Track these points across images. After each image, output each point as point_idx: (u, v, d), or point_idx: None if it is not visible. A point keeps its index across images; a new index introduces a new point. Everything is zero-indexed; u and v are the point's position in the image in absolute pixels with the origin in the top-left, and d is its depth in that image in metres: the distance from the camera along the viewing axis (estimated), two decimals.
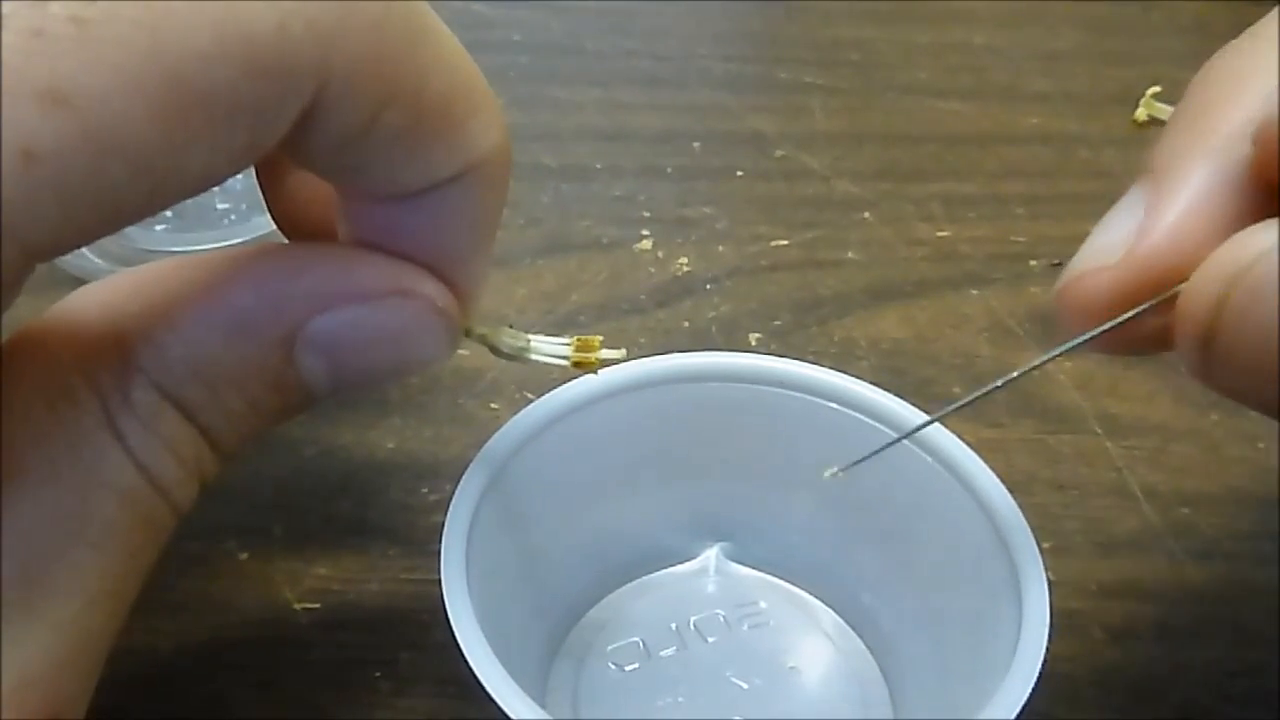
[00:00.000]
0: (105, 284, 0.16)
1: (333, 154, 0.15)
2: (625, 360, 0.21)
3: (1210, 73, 0.18)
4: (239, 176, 0.24)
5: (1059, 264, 0.39)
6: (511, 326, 0.20)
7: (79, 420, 0.15)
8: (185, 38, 0.13)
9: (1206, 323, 0.15)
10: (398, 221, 0.17)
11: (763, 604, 0.26)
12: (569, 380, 0.23)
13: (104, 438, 0.15)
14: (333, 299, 0.17)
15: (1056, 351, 0.18)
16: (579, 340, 0.20)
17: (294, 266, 0.17)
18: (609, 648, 0.25)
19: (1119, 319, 0.16)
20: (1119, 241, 0.17)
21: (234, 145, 0.14)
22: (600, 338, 0.20)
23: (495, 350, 0.20)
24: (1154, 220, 0.16)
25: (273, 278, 0.16)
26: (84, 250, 0.35)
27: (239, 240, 0.36)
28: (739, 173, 0.44)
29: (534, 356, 0.20)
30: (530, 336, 0.20)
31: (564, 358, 0.20)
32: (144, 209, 0.14)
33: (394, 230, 0.17)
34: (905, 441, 0.23)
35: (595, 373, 0.21)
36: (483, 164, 0.17)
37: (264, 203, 0.21)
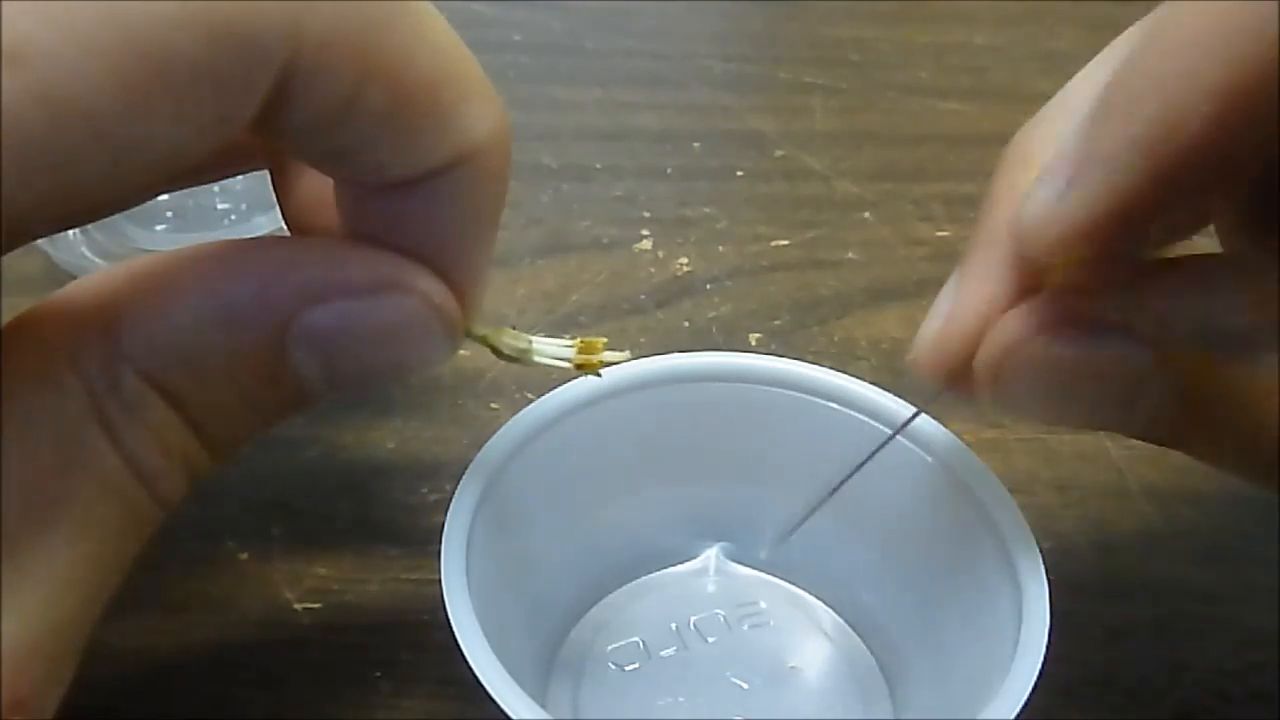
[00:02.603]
0: (99, 274, 0.16)
1: (314, 135, 0.15)
2: (628, 361, 0.21)
3: (1008, 152, 0.21)
4: (239, 176, 0.25)
5: None
6: (514, 328, 0.20)
7: (63, 405, 0.15)
8: (148, 3, 0.12)
9: (991, 388, 0.19)
10: (393, 213, 0.17)
11: (763, 604, 0.26)
12: (569, 380, 0.23)
13: (88, 423, 0.15)
14: (325, 291, 0.16)
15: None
16: (582, 342, 0.20)
17: (286, 258, 0.16)
18: (609, 648, 0.25)
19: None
20: (937, 328, 0.20)
21: (201, 117, 0.13)
22: (604, 339, 0.20)
23: (496, 352, 0.20)
24: (955, 306, 0.20)
25: (264, 269, 0.16)
26: (83, 250, 0.35)
27: None
28: (739, 173, 0.44)
29: (536, 359, 0.20)
30: (532, 338, 0.20)
31: (566, 359, 0.20)
32: (109, 181, 0.13)
33: (390, 223, 0.17)
34: (906, 443, 0.23)
35: (599, 375, 0.20)
36: (478, 153, 0.16)
37: (276, 204, 0.21)
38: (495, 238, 0.18)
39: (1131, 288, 0.17)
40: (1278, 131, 0.15)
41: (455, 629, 0.19)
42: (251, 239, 0.17)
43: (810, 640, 0.25)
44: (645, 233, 0.40)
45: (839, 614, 0.25)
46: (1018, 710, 0.18)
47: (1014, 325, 0.18)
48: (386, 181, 0.17)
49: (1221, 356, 0.17)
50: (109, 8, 0.12)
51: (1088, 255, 0.17)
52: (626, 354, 0.20)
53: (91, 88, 0.12)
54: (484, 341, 0.19)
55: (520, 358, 0.20)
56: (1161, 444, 0.19)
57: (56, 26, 0.12)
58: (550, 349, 0.20)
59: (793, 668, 0.24)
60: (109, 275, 0.16)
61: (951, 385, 0.20)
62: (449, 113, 0.16)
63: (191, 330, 0.15)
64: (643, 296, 0.37)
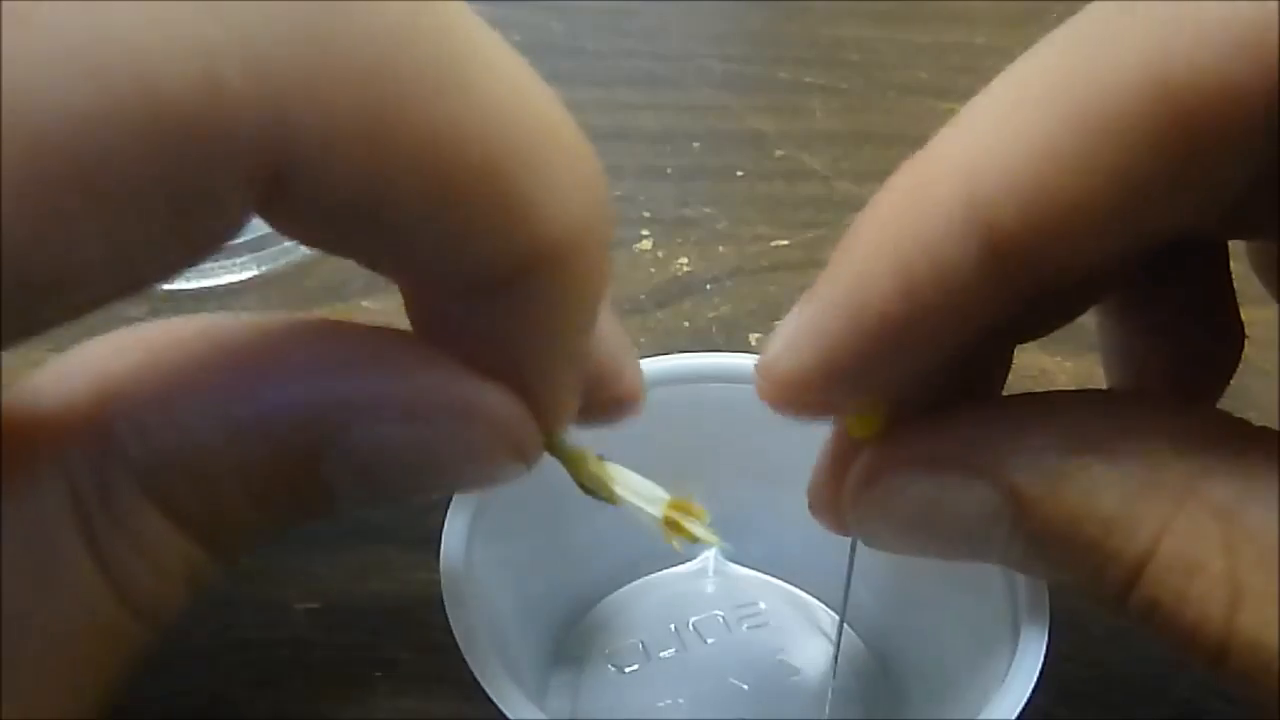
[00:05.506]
0: (98, 345, 0.13)
1: (334, 239, 0.12)
2: (717, 543, 0.18)
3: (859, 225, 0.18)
4: None
5: None
6: (602, 457, 0.17)
7: (41, 511, 0.12)
8: (56, 92, 0.09)
9: (854, 524, 0.19)
10: (460, 315, 0.14)
11: (762, 604, 0.26)
12: None
13: (67, 535, 0.12)
14: (374, 410, 0.13)
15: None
16: (674, 501, 0.17)
17: (329, 360, 0.13)
18: (609, 649, 0.25)
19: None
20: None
21: (152, 236, 0.10)
22: (701, 508, 0.17)
23: (577, 480, 0.17)
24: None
25: (300, 372, 0.13)
26: None
27: (238, 240, 0.36)
28: (739, 173, 0.44)
29: (619, 504, 0.17)
30: (618, 474, 0.17)
31: (653, 516, 0.17)
32: (30, 318, 0.11)
33: (459, 326, 0.14)
34: None
35: (678, 549, 0.17)
36: (562, 250, 0.13)
37: None
38: (589, 342, 0.15)
39: (977, 427, 0.17)
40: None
41: (455, 629, 0.19)
42: (284, 321, 0.14)
43: (810, 640, 0.25)
44: (645, 233, 0.40)
45: (839, 614, 0.25)
46: (1018, 710, 0.18)
47: (869, 463, 0.18)
48: (439, 286, 0.14)
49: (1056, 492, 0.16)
50: (8, 98, 0.09)
51: (864, 406, 0.17)
52: (718, 539, 0.17)
53: None
54: (565, 464, 0.17)
55: (600, 496, 0.17)
56: (1019, 570, 0.19)
57: None
58: (637, 492, 0.17)
59: (793, 668, 0.24)
60: (107, 349, 0.13)
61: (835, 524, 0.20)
62: (519, 203, 0.12)
63: (202, 434, 0.13)
64: (643, 296, 0.37)
